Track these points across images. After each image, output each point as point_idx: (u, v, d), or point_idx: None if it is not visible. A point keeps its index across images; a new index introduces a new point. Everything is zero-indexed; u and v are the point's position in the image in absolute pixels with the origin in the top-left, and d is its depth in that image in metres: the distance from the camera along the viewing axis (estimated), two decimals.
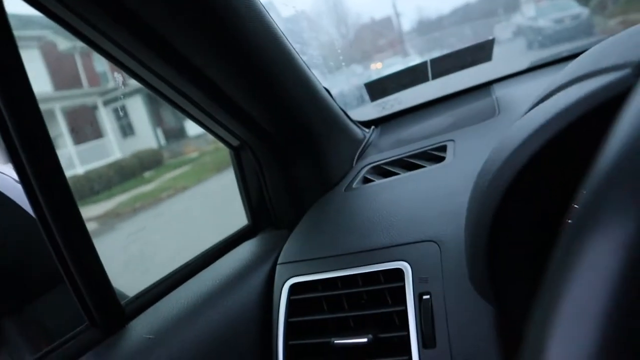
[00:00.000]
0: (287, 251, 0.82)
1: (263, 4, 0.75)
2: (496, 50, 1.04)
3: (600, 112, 0.35)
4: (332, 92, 0.99)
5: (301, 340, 0.70)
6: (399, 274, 0.66)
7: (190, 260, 0.82)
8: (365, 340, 0.64)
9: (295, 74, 0.83)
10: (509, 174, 0.51)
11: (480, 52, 0.98)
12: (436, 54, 1.05)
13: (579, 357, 0.17)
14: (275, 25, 0.78)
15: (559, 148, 0.47)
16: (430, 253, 0.65)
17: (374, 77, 1.08)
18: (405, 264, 0.66)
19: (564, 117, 0.46)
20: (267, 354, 0.73)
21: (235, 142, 0.89)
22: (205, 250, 0.85)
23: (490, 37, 0.99)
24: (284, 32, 0.81)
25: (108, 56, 0.66)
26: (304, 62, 0.87)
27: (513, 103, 0.96)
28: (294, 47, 0.84)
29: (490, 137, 0.84)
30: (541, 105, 0.52)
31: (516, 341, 0.56)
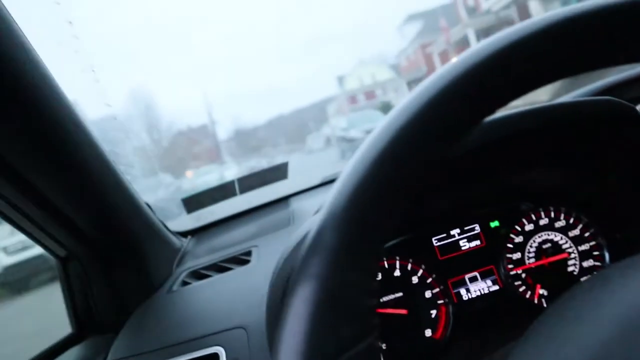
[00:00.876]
0: (114, 351, 0.90)
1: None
2: (310, 160, 1.30)
3: None
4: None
5: None
6: (216, 356, 0.80)
7: None
8: None
9: (118, 187, 0.96)
10: (288, 270, 0.73)
11: (278, 172, 1.25)
12: (252, 160, 1.28)
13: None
14: (96, 138, 0.90)
15: None
16: (240, 337, 0.82)
17: (186, 185, 1.26)
18: (220, 348, 0.81)
19: None
20: None
21: (62, 252, 0.98)
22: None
23: (285, 161, 1.27)
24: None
25: None
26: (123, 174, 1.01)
27: (304, 214, 1.22)
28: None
29: (285, 243, 1.06)
30: (312, 218, 0.77)
31: None
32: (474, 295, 0.86)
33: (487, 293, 0.86)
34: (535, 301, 0.85)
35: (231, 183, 1.22)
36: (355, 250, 0.31)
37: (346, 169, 0.33)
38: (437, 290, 0.86)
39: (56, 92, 0.78)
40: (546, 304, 0.85)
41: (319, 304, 0.29)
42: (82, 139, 0.84)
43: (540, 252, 0.87)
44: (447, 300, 0.86)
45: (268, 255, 1.03)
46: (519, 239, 0.88)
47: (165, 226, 1.23)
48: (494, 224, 0.89)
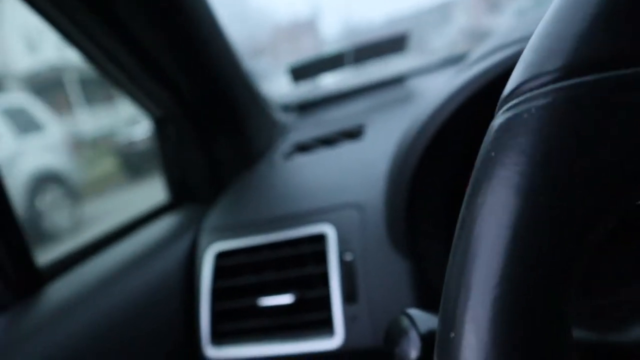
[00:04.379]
0: (210, 220, 0.93)
1: None
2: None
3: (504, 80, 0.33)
4: None
5: (226, 303, 0.82)
6: (322, 236, 0.80)
7: (107, 231, 0.92)
8: (289, 299, 0.77)
9: (226, 52, 0.96)
10: (424, 139, 0.65)
11: (396, 44, 1.21)
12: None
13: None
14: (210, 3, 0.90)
15: (470, 113, 0.58)
16: (352, 217, 0.80)
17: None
18: (328, 227, 0.80)
19: (469, 87, 0.60)
20: (192, 319, 0.83)
21: (158, 113, 1.02)
22: (123, 223, 0.96)
23: (405, 31, 1.23)
24: None
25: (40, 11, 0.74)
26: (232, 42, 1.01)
27: (425, 91, 1.17)
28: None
29: (403, 120, 1.00)
30: (456, 77, 0.67)
31: (430, 294, 0.72)
32: None
33: None
34: None
35: (344, 52, 1.21)
36: (588, 125, 0.21)
37: None
38: None
39: None
40: None
41: (527, 215, 0.21)
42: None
43: None
44: None
45: (383, 131, 1.00)
46: None
47: (268, 99, 1.24)
48: None
